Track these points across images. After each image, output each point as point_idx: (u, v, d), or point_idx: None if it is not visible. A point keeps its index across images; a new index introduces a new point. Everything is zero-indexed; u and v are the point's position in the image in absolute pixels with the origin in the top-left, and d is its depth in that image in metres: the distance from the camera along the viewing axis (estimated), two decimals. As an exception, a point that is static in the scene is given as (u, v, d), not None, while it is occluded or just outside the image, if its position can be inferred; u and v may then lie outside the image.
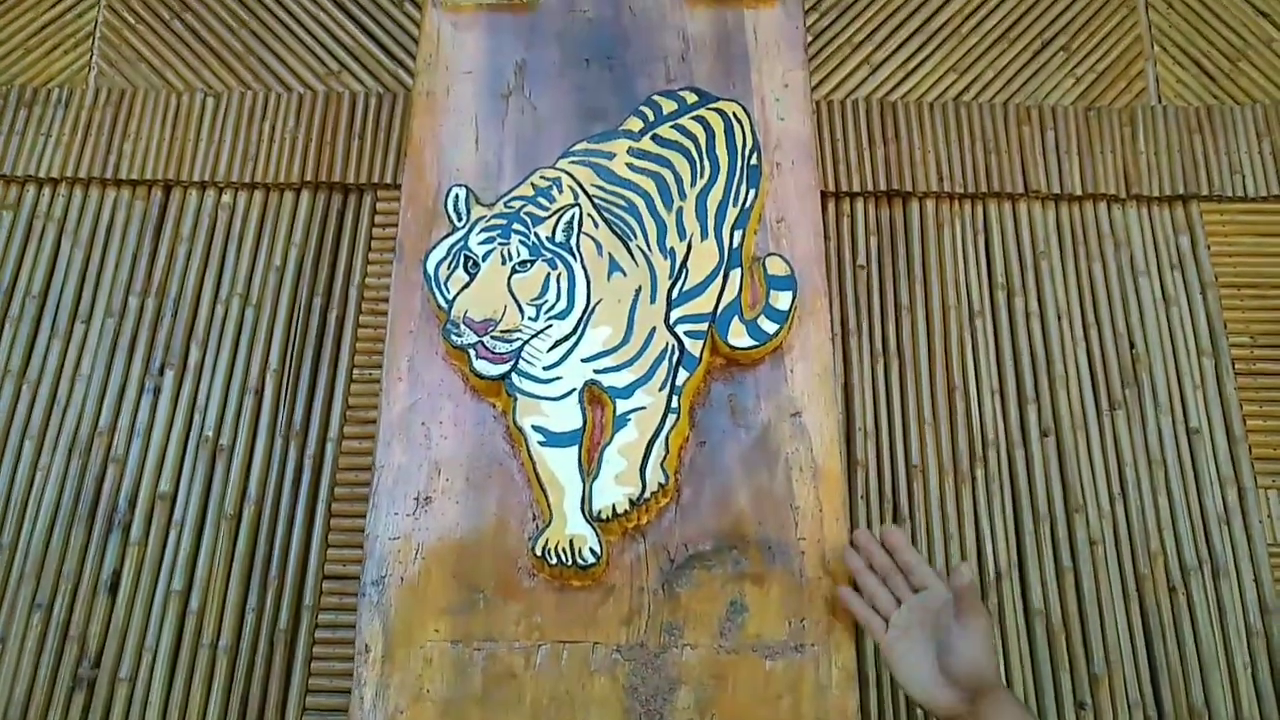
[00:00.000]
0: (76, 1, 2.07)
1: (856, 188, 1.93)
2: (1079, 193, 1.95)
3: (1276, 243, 1.93)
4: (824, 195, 1.88)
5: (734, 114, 1.48)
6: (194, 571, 1.66)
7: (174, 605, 1.64)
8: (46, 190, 1.92)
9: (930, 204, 1.94)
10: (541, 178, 1.42)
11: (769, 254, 1.41)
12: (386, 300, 1.80)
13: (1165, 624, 1.66)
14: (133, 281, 1.86)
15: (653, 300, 1.35)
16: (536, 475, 1.27)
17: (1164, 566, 1.70)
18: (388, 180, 1.90)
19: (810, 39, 2.01)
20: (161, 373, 1.79)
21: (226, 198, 1.92)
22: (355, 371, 1.78)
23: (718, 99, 1.50)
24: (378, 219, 1.90)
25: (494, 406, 1.33)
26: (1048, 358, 1.84)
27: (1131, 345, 1.85)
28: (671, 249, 1.38)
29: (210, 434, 1.74)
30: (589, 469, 1.27)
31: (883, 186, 1.93)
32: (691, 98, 1.49)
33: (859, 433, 1.76)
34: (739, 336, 1.34)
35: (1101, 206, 1.96)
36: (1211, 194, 1.96)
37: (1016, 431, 1.79)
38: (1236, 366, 1.83)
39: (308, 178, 1.92)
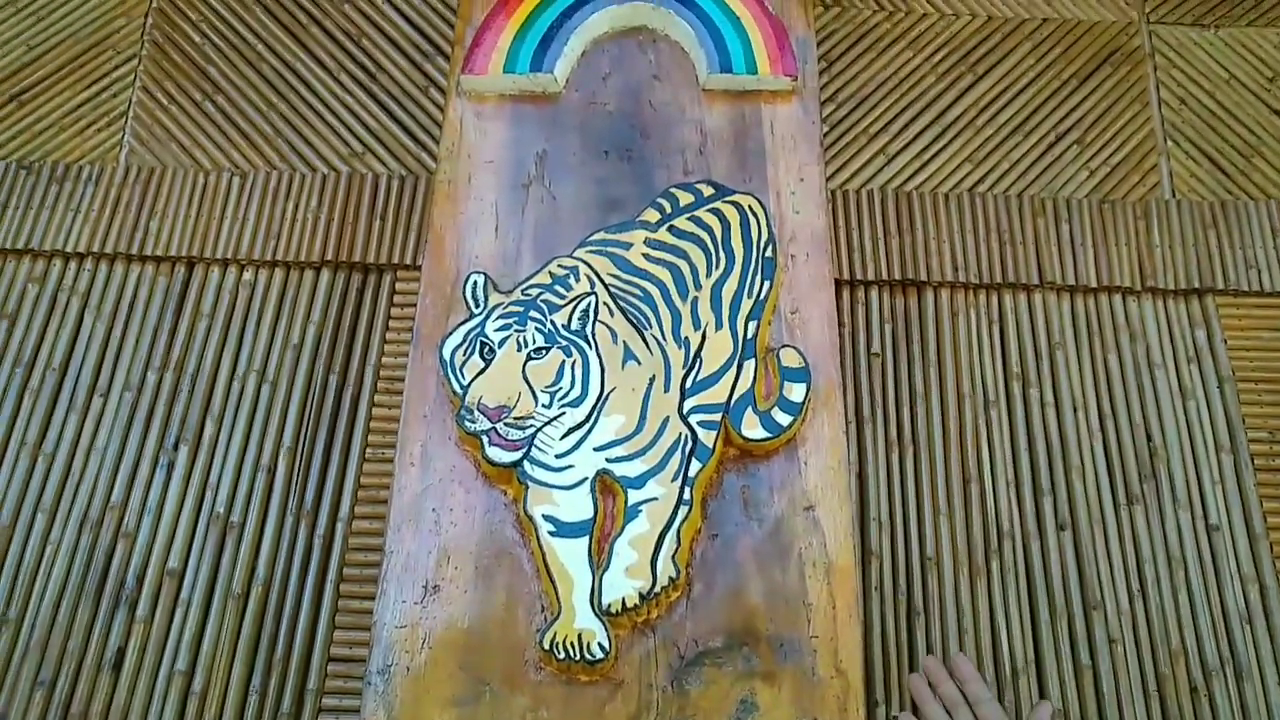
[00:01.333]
0: (112, 82, 2.13)
1: (871, 276, 1.94)
2: (1094, 284, 1.96)
3: (1293, 338, 1.92)
4: (839, 283, 1.89)
5: (749, 207, 1.50)
6: (198, 651, 1.65)
7: (177, 685, 1.62)
8: (73, 265, 1.96)
9: (945, 293, 1.95)
10: (559, 266, 1.44)
11: (783, 345, 1.41)
12: (402, 380, 1.82)
13: (1187, 728, 1.62)
14: (152, 357, 1.87)
15: (667, 389, 1.35)
16: (546, 566, 1.26)
17: (1185, 666, 1.66)
18: (407, 261, 1.92)
19: (826, 129, 2.04)
20: (176, 448, 1.79)
21: (248, 275, 1.95)
22: (369, 451, 1.79)
23: (734, 192, 1.52)
24: (396, 299, 1.91)
25: (505, 494, 1.33)
26: (1064, 449, 1.82)
27: (1149, 439, 1.84)
28: (686, 339, 1.39)
29: (221, 511, 1.74)
30: (599, 560, 1.26)
31: (898, 276, 1.94)
32: (708, 190, 1.51)
33: (873, 523, 1.74)
34: (753, 428, 1.34)
35: (1117, 298, 1.96)
36: (1227, 288, 1.96)
37: (1032, 523, 1.77)
38: (1256, 462, 1.81)
39: (328, 257, 1.94)
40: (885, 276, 1.94)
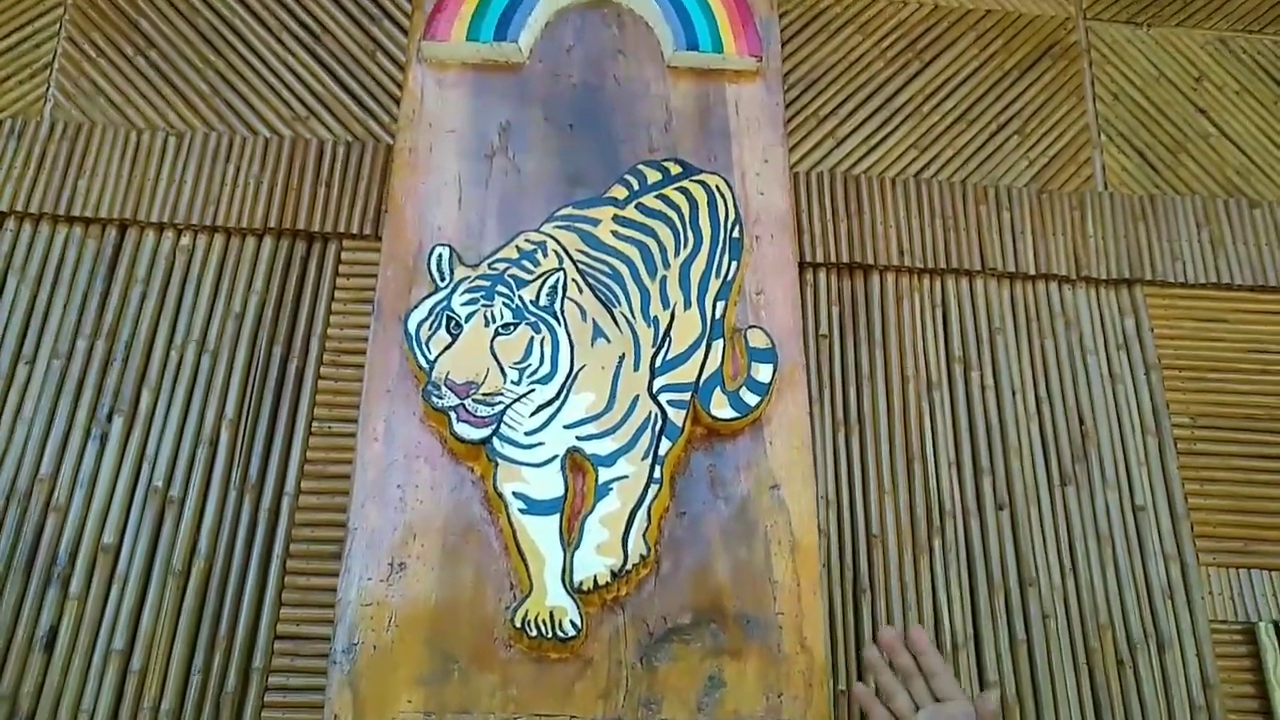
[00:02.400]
0: (35, 31, 2.01)
1: (820, 258, 1.97)
2: (1032, 272, 2.02)
3: (1215, 328, 2.02)
4: (790, 264, 1.92)
5: (717, 187, 1.50)
6: (137, 629, 1.59)
7: (114, 665, 1.56)
8: (-6, 224, 1.85)
9: (891, 277, 1.99)
10: (526, 241, 1.42)
11: (750, 326, 1.42)
12: (349, 352, 1.78)
13: (1115, 697, 1.70)
14: (82, 323, 1.79)
15: (636, 368, 1.35)
16: (516, 543, 1.25)
17: (1112, 640, 1.74)
18: (354, 230, 1.87)
19: (779, 111, 2.06)
20: (110, 419, 1.72)
21: (185, 240, 1.88)
22: (315, 424, 1.74)
23: (701, 171, 1.52)
24: (342, 269, 1.86)
25: (472, 471, 1.31)
26: (1002, 431, 1.88)
27: (1081, 421, 1.91)
28: (655, 317, 1.39)
29: (160, 485, 1.68)
30: (570, 538, 1.25)
31: (845, 258, 1.97)
32: (675, 169, 1.51)
33: (821, 500, 1.77)
34: (721, 407, 1.35)
35: (1053, 286, 2.03)
36: (1155, 279, 2.05)
37: (973, 502, 1.82)
38: (1179, 446, 1.90)
39: (271, 224, 1.88)
40: (834, 259, 1.97)
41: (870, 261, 1.98)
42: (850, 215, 2.02)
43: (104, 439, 1.70)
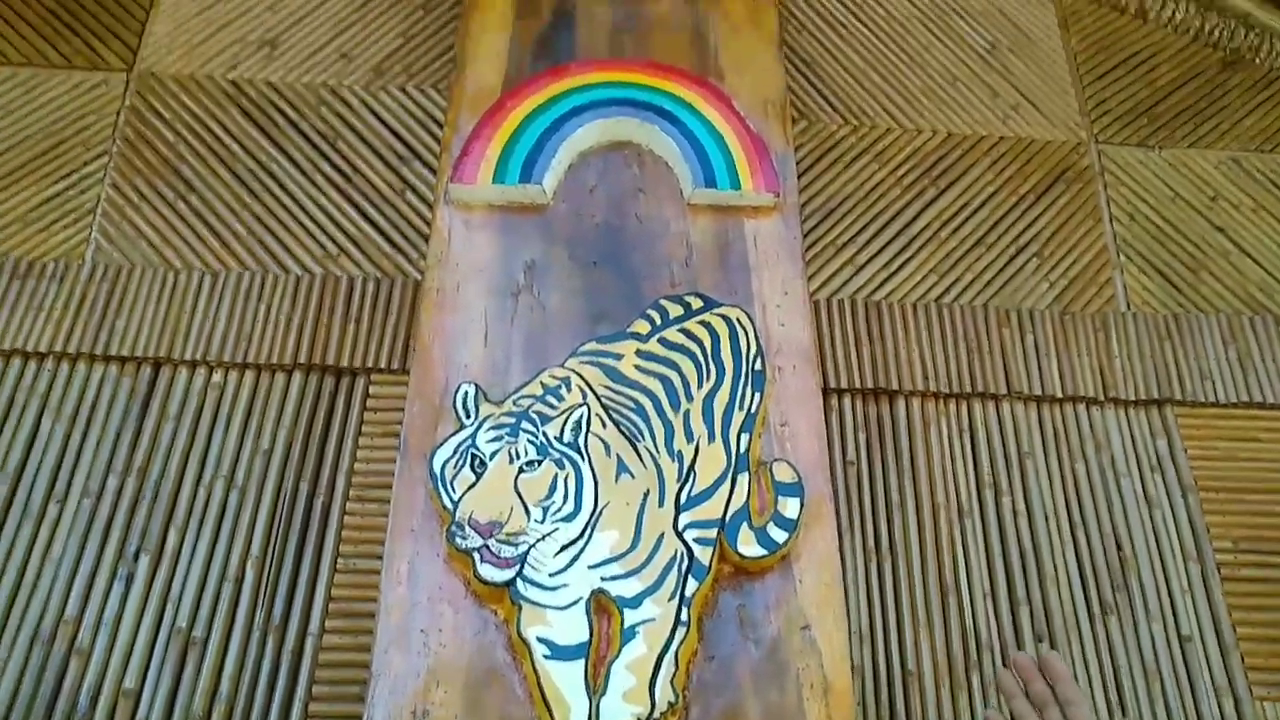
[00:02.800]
0: (81, 178, 2.10)
1: (844, 384, 1.96)
2: (1059, 394, 2.01)
3: (1250, 448, 1.99)
4: (813, 391, 1.91)
5: (738, 319, 1.52)
6: (155, 778, 1.55)
7: (130, 816, 1.52)
8: (33, 364, 1.89)
9: (916, 402, 1.98)
10: (550, 376, 1.43)
11: (775, 459, 1.42)
12: (375, 488, 1.78)
13: (1172, 845, 1.61)
14: (113, 461, 1.81)
15: (661, 504, 1.34)
16: (541, 691, 1.22)
17: (1166, 781, 1.66)
18: (382, 365, 1.90)
19: (798, 240, 2.09)
20: (136, 559, 1.72)
21: (217, 377, 1.91)
22: (340, 561, 1.73)
23: (721, 304, 1.54)
24: (370, 403, 1.88)
25: (495, 614, 1.29)
26: (1037, 558, 1.84)
27: (1119, 547, 1.87)
28: (679, 451, 1.39)
29: (183, 625, 1.66)
30: (595, 685, 1.22)
31: (870, 384, 1.97)
32: (696, 302, 1.53)
33: (854, 636, 1.73)
34: (749, 545, 1.33)
35: (1081, 408, 2.01)
36: (1184, 399, 2.03)
37: (1010, 635, 1.77)
38: (1222, 572, 1.85)
39: (300, 360, 1.91)
40: (858, 385, 1.97)
41: (895, 387, 1.98)
42: (873, 341, 2.02)
43: (130, 579, 1.70)
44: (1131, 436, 1.99)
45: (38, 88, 2.20)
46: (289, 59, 2.26)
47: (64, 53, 2.25)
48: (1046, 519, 1.89)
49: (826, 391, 1.96)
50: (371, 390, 1.90)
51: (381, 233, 2.07)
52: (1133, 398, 2.02)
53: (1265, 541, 1.88)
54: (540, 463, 1.32)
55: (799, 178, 2.19)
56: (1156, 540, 1.88)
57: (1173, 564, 1.85)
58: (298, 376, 1.91)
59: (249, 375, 1.91)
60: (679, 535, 1.31)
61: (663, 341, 1.46)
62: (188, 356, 1.91)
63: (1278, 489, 1.94)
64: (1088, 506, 1.90)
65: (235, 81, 2.23)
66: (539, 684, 1.22)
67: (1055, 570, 1.83)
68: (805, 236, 2.12)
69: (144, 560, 1.72)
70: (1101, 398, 2.02)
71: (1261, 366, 2.07)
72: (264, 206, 2.09)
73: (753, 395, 1.43)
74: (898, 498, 1.88)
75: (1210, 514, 1.91)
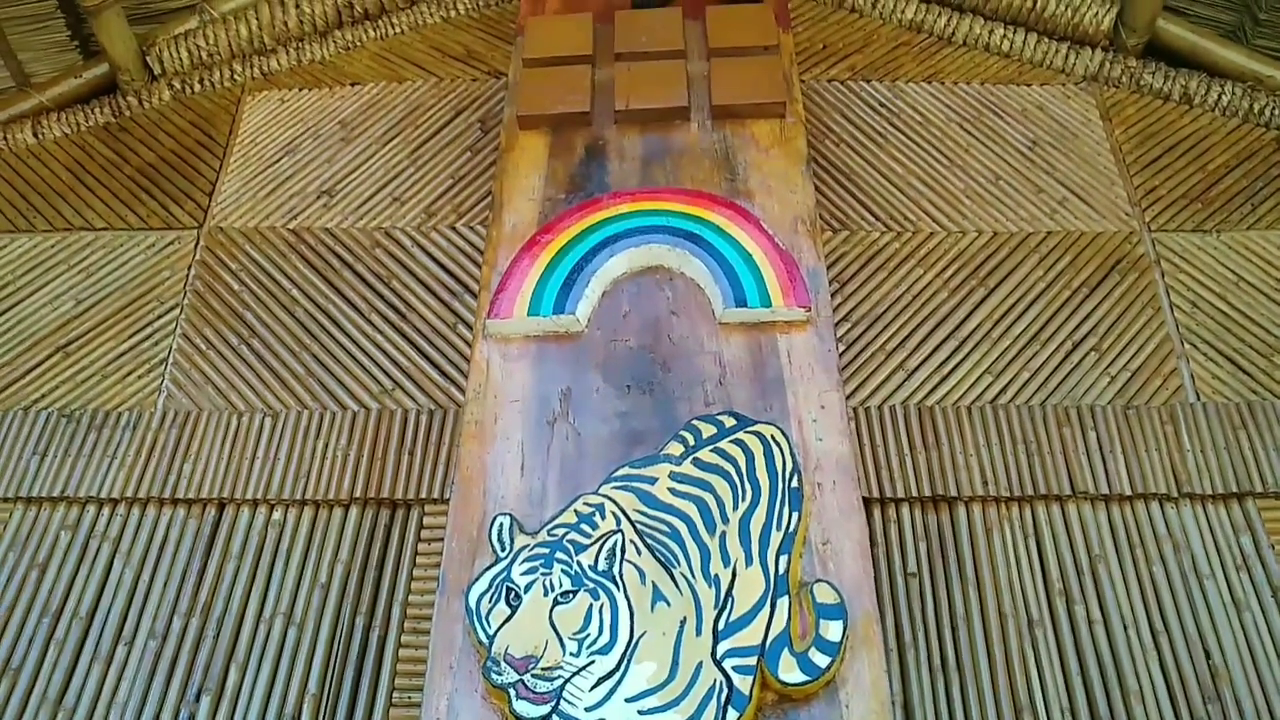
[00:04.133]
0: (154, 331, 2.23)
1: (901, 493, 1.92)
2: (1128, 492, 1.93)
3: (1342, 540, 1.87)
4: (868, 502, 1.87)
5: (772, 437, 1.51)
6: None
7: None
8: (106, 510, 1.98)
9: (977, 508, 1.92)
10: (584, 504, 1.44)
11: (816, 580, 1.39)
12: (429, 619, 1.78)
13: None
14: (179, 602, 1.86)
15: (699, 632, 1.32)
16: (579, 831, 1.19)
17: None
18: (435, 495, 1.92)
19: (843, 348, 2.07)
20: (198, 699, 1.75)
21: (277, 515, 1.96)
22: (395, 695, 1.73)
23: (755, 422, 1.53)
24: (424, 533, 1.90)
25: (534, 750, 1.27)
26: (1118, 671, 1.74)
27: (1208, 655, 1.75)
28: (716, 576, 1.37)
29: (242, 767, 1.68)
30: (636, 824, 1.19)
31: (927, 492, 1.92)
32: (729, 421, 1.53)
33: (924, 759, 1.65)
34: (790, 671, 1.29)
35: (1154, 506, 1.93)
36: (1266, 490, 1.92)
37: (1093, 755, 1.66)
38: (1323, 678, 1.72)
39: (357, 494, 1.96)
40: (915, 493, 1.92)
41: (954, 493, 1.93)
42: (928, 447, 1.98)
43: (191, 719, 1.72)
44: (1212, 534, 1.89)
45: (118, 249, 2.36)
46: (345, 206, 2.39)
47: (141, 215, 2.41)
48: (1125, 627, 1.79)
49: (884, 502, 1.91)
50: (425, 520, 1.92)
51: (435, 365, 2.13)
52: (1210, 492, 1.93)
53: (1369, 642, 1.75)
54: (575, 594, 1.31)
55: (843, 287, 2.20)
56: (1249, 645, 1.76)
57: (1268, 670, 1.73)
58: (354, 510, 1.96)
59: (308, 511, 1.96)
60: (717, 664, 1.28)
61: (697, 463, 1.46)
62: (249, 496, 1.97)
63: (1377, 584, 1.80)
64: (1170, 612, 1.80)
65: (295, 230, 2.36)
66: (576, 826, 1.19)
67: (1139, 683, 1.73)
68: (852, 345, 2.11)
69: (205, 701, 1.75)
70: (1175, 494, 1.93)
71: (1347, 451, 1.96)
72: (322, 346, 2.18)
73: (790, 514, 1.41)
74: (962, 609, 1.81)
75: (1305, 614, 1.78)
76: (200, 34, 2.64)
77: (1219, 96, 2.51)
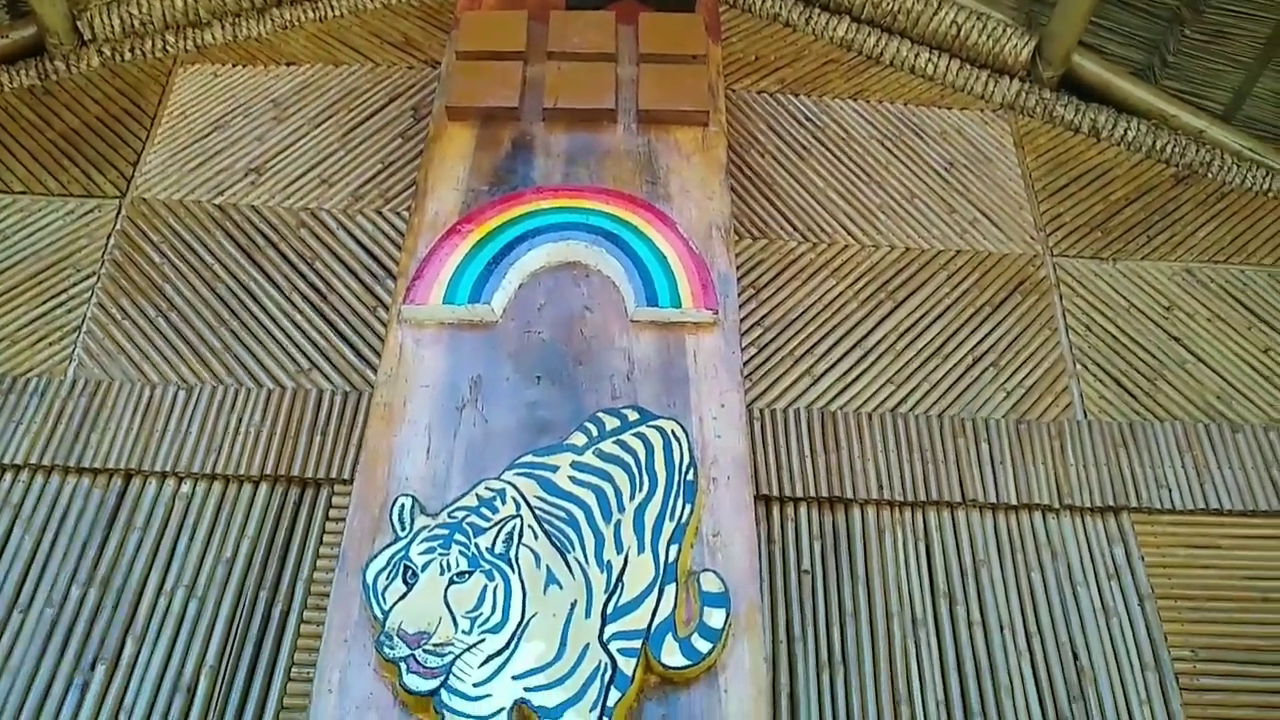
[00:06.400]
0: (69, 298, 2.21)
1: (799, 493, 1.99)
2: (1014, 502, 2.03)
3: (1208, 555, 1.99)
4: (768, 500, 1.94)
5: (672, 431, 1.57)
6: None
7: None
8: (9, 476, 1.96)
9: (871, 511, 2.01)
10: (486, 488, 1.48)
11: (704, 569, 1.44)
12: (331, 597, 1.81)
13: None
14: (78, 571, 1.86)
15: (588, 615, 1.37)
16: (460, 801, 1.23)
17: None
18: (345, 476, 1.94)
19: (753, 351, 2.14)
20: (93, 668, 1.75)
21: (185, 488, 1.96)
22: (294, 670, 1.75)
23: (658, 417, 1.59)
24: (332, 513, 1.92)
25: (421, 723, 1.31)
26: (992, 668, 1.84)
27: (1075, 657, 1.86)
28: (609, 562, 1.42)
29: (134, 736, 1.68)
30: (514, 795, 1.24)
31: (825, 493, 2.00)
32: (633, 415, 1.59)
33: (806, 747, 1.72)
34: (672, 655, 1.35)
35: (1037, 516, 2.03)
36: (1141, 506, 2.04)
37: (964, 748, 1.75)
38: (1180, 681, 1.83)
39: (268, 471, 1.97)
40: (812, 494, 2.00)
41: (850, 495, 2.01)
42: (828, 450, 2.06)
43: (84, 688, 1.73)
44: (1088, 544, 2.00)
45: (36, 214, 2.33)
46: (273, 185, 2.39)
47: (62, 181, 2.39)
48: (1002, 628, 1.88)
49: (782, 501, 1.99)
50: (334, 500, 1.94)
51: (352, 347, 2.15)
52: (1089, 505, 2.04)
53: (1224, 650, 1.87)
54: (470, 574, 1.35)
55: (758, 293, 2.27)
56: (1114, 649, 1.87)
57: (1130, 674, 1.84)
58: (264, 487, 1.97)
59: (216, 486, 1.97)
60: (604, 646, 1.33)
61: (598, 453, 1.51)
62: (158, 468, 1.97)
63: (1236, 596, 1.93)
64: (1044, 615, 1.90)
65: (221, 206, 2.35)
66: (458, 795, 1.23)
67: (1010, 681, 1.83)
68: (762, 349, 2.19)
69: (100, 670, 1.75)
70: (1057, 505, 2.04)
71: (1219, 474, 2.09)
72: (240, 323, 2.18)
73: (684, 506, 1.47)
74: (851, 607, 1.89)
75: (1168, 622, 1.90)
76: (134, 2, 2.61)
77: (1125, 131, 2.63)
